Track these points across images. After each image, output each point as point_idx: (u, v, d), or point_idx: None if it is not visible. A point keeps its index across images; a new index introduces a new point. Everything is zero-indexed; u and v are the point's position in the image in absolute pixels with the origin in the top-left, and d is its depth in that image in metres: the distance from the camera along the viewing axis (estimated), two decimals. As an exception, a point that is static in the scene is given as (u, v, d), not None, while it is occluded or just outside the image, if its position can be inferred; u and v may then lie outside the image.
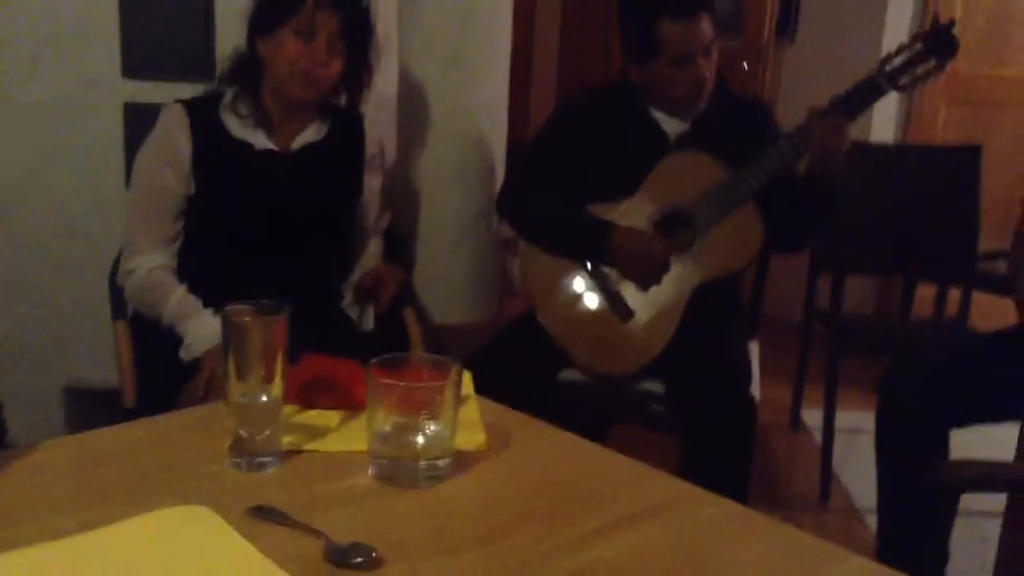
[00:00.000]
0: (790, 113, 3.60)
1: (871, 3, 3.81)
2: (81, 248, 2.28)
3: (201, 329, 1.77)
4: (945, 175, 3.05)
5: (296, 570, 0.81)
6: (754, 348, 2.35)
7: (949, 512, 1.92)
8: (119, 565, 0.81)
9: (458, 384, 1.00)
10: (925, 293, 3.44)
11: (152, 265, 1.84)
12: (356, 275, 2.05)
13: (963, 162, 3.02)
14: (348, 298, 2.03)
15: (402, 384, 0.98)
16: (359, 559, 0.82)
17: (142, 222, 1.87)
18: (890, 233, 3.00)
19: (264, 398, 1.01)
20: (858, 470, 2.81)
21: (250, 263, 1.89)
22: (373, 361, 1.00)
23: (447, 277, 2.50)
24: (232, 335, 0.99)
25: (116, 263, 1.95)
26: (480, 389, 2.13)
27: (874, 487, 2.03)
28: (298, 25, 1.80)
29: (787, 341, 3.22)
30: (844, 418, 2.83)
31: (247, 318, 1.01)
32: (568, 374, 2.15)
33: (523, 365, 2.11)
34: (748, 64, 3.76)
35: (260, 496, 0.94)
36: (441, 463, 1.00)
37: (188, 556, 0.83)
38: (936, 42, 1.99)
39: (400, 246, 2.34)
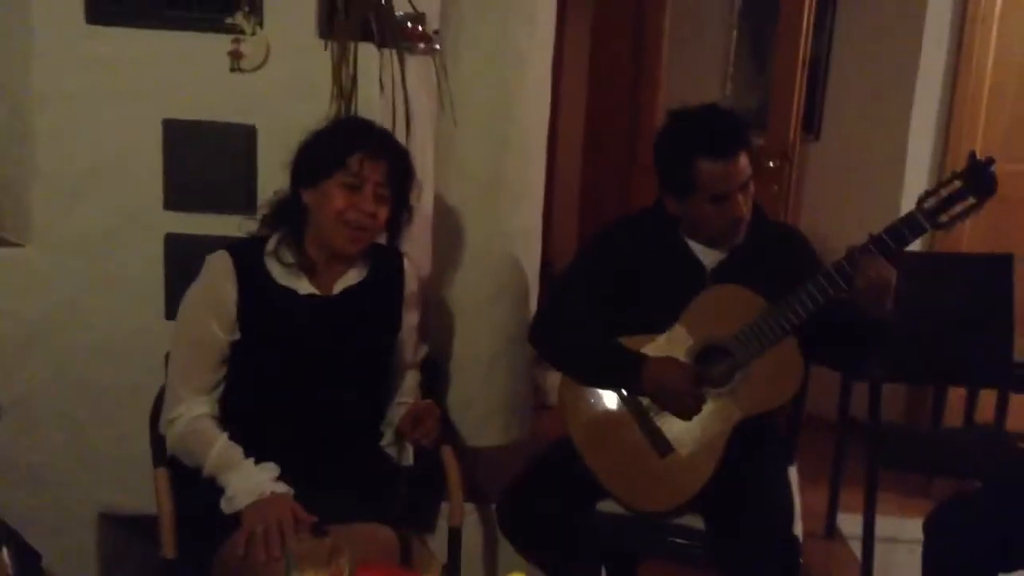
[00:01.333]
0: (817, 211, 3.62)
1: (895, 101, 3.83)
2: (117, 376, 2.30)
3: (243, 482, 1.77)
4: (978, 284, 3.04)
5: None
6: (793, 474, 2.32)
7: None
8: None
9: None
10: (955, 395, 3.41)
11: (194, 414, 1.85)
12: (394, 411, 2.05)
13: (996, 271, 3.02)
14: (387, 437, 2.02)
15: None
16: None
17: (185, 370, 1.88)
18: (925, 342, 2.98)
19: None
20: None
21: (291, 406, 1.90)
22: None
23: (481, 400, 2.50)
24: (290, 565, 0.99)
25: (156, 408, 1.96)
26: (517, 525, 2.12)
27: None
28: (345, 177, 1.82)
29: (820, 441, 3.18)
30: (882, 524, 2.78)
31: (302, 546, 1.00)
32: (606, 506, 2.13)
33: (560, 500, 2.10)
34: (774, 163, 3.77)
35: None
36: None
37: None
38: (975, 180, 1.97)
39: (437, 374, 2.34)
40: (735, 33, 4.41)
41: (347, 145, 1.84)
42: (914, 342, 2.97)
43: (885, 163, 3.85)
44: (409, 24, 2.54)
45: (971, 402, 3.21)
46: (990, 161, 2.01)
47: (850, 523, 3.13)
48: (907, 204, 3.88)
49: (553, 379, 2.56)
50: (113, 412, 2.31)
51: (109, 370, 2.31)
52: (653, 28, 4.50)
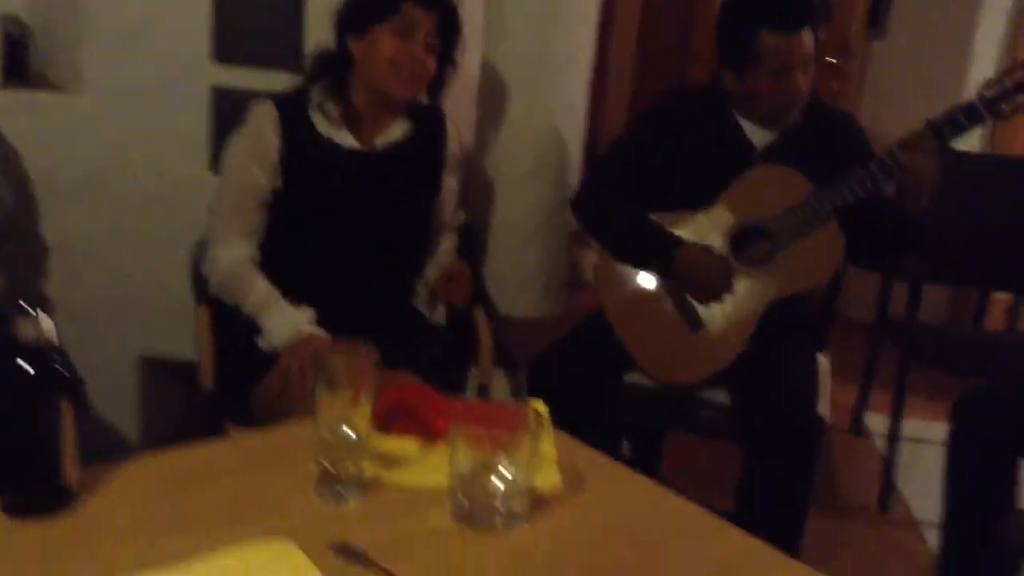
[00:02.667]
0: (878, 111, 3.52)
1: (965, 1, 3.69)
2: (161, 226, 2.33)
3: (280, 321, 1.81)
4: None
5: (378, 618, 0.84)
6: (824, 361, 2.32)
7: (1016, 563, 1.89)
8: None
9: (538, 428, 1.02)
10: (1001, 303, 3.37)
11: (236, 256, 1.89)
12: (430, 271, 2.07)
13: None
14: (422, 296, 2.05)
15: (483, 424, 1.00)
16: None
17: (228, 213, 1.91)
18: (968, 243, 2.93)
19: (351, 433, 1.03)
20: (921, 482, 2.78)
21: (329, 258, 1.93)
22: (458, 400, 1.02)
23: (518, 270, 2.52)
24: (322, 371, 1.02)
25: (198, 247, 2.00)
26: (546, 388, 2.16)
27: (936, 501, 2.02)
28: (397, 25, 1.81)
29: (854, 342, 3.18)
30: (908, 426, 2.79)
31: (338, 351, 1.03)
32: (634, 376, 2.16)
33: (589, 366, 2.13)
34: (835, 60, 3.66)
35: (342, 531, 0.97)
36: (518, 506, 1.02)
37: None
38: None
39: (474, 242, 2.35)
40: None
41: None
42: (959, 244, 2.94)
43: (950, 66, 3.72)
44: None
45: (1015, 308, 3.17)
46: (1056, 55, 1.93)
47: (878, 422, 3.14)
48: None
49: (590, 257, 2.57)
50: (156, 260, 2.35)
51: (154, 219, 2.35)
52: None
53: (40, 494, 0.98)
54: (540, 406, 1.26)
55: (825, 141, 2.11)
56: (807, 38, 2.01)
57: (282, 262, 1.92)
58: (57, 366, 0.98)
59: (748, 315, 2.06)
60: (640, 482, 1.13)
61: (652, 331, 2.12)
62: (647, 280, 2.13)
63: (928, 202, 1.95)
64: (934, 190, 1.93)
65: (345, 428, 1.04)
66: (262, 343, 1.84)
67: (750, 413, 2.04)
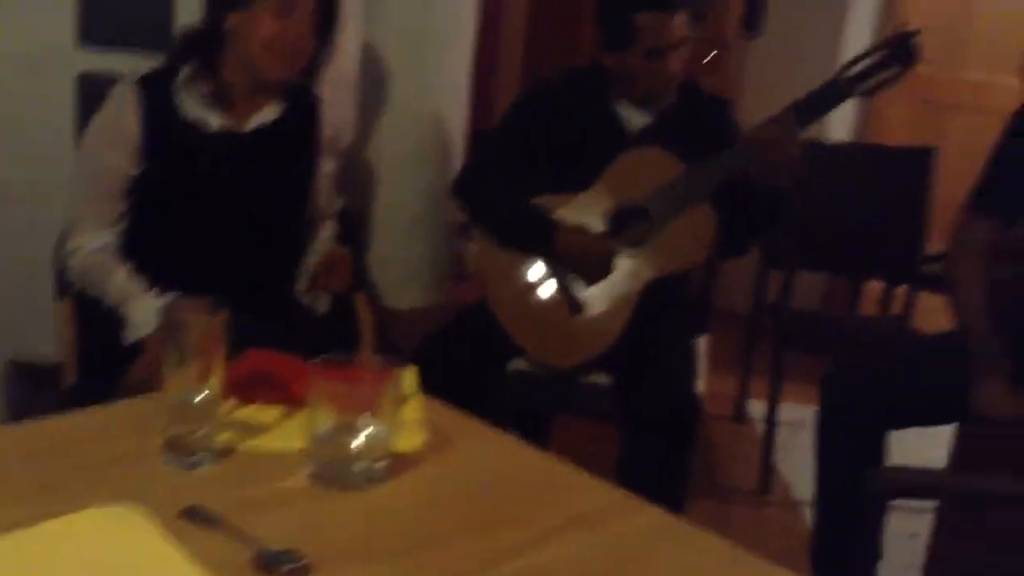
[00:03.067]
0: (757, 107, 3.62)
1: (834, 3, 3.84)
2: (22, 223, 2.24)
3: (144, 312, 1.74)
4: (898, 176, 3.09)
5: (222, 572, 0.81)
6: (702, 343, 2.37)
7: (880, 513, 1.97)
8: (48, 564, 0.81)
9: (399, 385, 1.00)
10: (874, 291, 3.51)
11: (96, 245, 1.81)
12: (309, 259, 2.03)
13: (916, 164, 3.06)
14: (302, 283, 2.01)
15: (344, 383, 0.98)
16: (288, 566, 0.83)
17: (86, 201, 1.83)
18: (841, 232, 3.05)
19: (201, 396, 1.00)
20: (799, 463, 2.86)
21: (199, 244, 1.86)
22: (316, 359, 1.00)
23: (401, 260, 2.50)
24: (171, 332, 0.99)
25: (60, 241, 1.92)
26: (429, 375, 2.15)
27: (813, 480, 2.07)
28: (277, 1, 1.77)
29: (735, 333, 3.27)
30: (787, 411, 2.87)
31: (187, 315, 1.00)
32: (517, 363, 2.16)
33: (473, 353, 2.13)
34: (712, 55, 3.77)
35: (194, 495, 0.94)
36: (378, 465, 1.01)
37: (116, 559, 0.83)
38: (898, 50, 2.00)
39: (354, 229, 2.32)
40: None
41: None
42: (830, 232, 3.05)
43: (821, 64, 3.85)
44: None
45: (886, 297, 3.30)
46: (915, 32, 2.03)
47: (759, 409, 3.22)
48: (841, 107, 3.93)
49: (473, 248, 2.57)
50: (21, 258, 2.26)
51: (21, 215, 2.25)
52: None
53: None
54: (410, 372, 1.25)
55: (699, 124, 2.17)
56: (682, 20, 2.07)
57: (149, 249, 1.85)
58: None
59: (627, 296, 2.09)
60: (504, 440, 1.13)
61: (534, 316, 2.13)
62: (527, 266, 2.14)
63: (791, 179, 2.02)
64: (795, 166, 2.00)
65: (196, 395, 1.00)
66: (126, 335, 1.77)
67: (629, 393, 2.07)
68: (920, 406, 1.97)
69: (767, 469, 2.82)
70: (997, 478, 1.48)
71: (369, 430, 1.00)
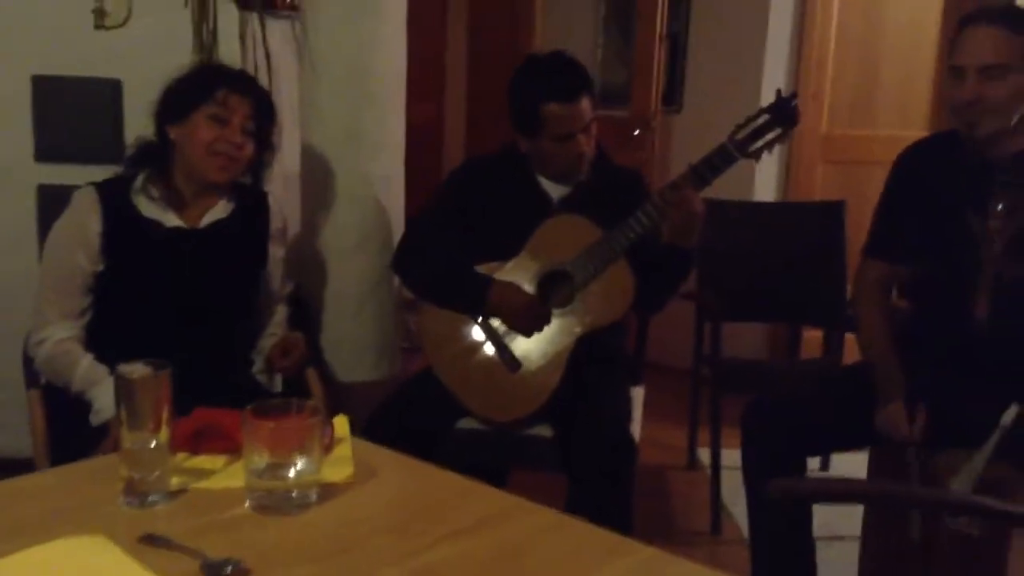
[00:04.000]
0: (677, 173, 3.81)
1: (748, 76, 4.12)
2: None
3: (109, 395, 1.85)
4: (815, 228, 3.33)
5: (176, 583, 0.96)
6: (638, 393, 2.54)
7: (803, 532, 2.11)
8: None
9: (320, 425, 1.17)
10: (813, 337, 3.70)
11: (61, 336, 1.96)
12: (264, 341, 2.19)
13: (830, 216, 3.31)
14: (258, 364, 2.17)
15: (271, 424, 1.14)
16: (228, 568, 0.98)
17: (51, 295, 1.99)
18: (766, 283, 3.26)
19: (153, 444, 1.16)
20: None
21: (161, 334, 1.99)
22: (248, 407, 1.16)
23: (351, 338, 2.66)
24: (122, 390, 1.15)
25: (28, 335, 2.07)
26: (382, 439, 2.29)
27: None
28: (212, 109, 1.95)
29: (683, 389, 3.44)
30: (733, 455, 3.01)
31: (136, 375, 1.16)
32: (466, 423, 2.31)
33: (421, 415, 2.27)
34: (638, 131, 4.04)
35: (150, 527, 1.09)
36: (310, 493, 1.16)
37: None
38: (779, 113, 2.21)
39: (304, 311, 2.49)
40: (603, 12, 4.67)
41: (214, 80, 1.98)
42: (756, 284, 3.26)
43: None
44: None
45: (828, 340, 3.47)
46: (793, 96, 2.25)
47: (708, 455, 3.37)
48: (760, 168, 4.19)
49: (417, 320, 2.74)
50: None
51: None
52: (525, 6, 4.72)
53: None
54: (342, 420, 1.41)
55: (612, 192, 2.36)
56: (585, 105, 2.26)
57: (113, 339, 1.98)
58: None
59: (559, 351, 2.26)
60: (423, 467, 1.29)
61: (475, 376, 2.28)
62: (466, 331, 2.30)
63: (691, 236, 2.21)
64: (695, 224, 2.19)
65: (148, 443, 1.16)
66: (92, 419, 1.90)
67: (568, 441, 2.22)
68: (832, 432, 2.15)
69: (716, 511, 2.96)
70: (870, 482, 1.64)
71: (299, 465, 1.16)
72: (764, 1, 4.09)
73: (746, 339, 4.13)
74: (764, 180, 4.16)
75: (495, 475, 2.65)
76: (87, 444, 1.86)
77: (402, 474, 1.29)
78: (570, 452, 2.21)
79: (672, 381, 3.91)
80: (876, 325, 2.17)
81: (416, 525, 1.09)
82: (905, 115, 4.23)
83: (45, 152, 2.37)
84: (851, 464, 2.32)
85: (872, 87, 4.21)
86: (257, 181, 2.17)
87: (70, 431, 1.95)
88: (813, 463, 3.16)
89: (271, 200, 2.20)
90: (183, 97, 2.00)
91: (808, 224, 3.38)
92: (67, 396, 1.96)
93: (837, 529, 2.70)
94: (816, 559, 2.18)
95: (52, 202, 2.34)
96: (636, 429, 2.34)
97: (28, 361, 2.04)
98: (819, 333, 3.52)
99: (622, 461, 2.18)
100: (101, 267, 1.99)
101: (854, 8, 4.14)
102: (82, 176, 2.29)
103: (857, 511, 2.43)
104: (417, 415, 2.27)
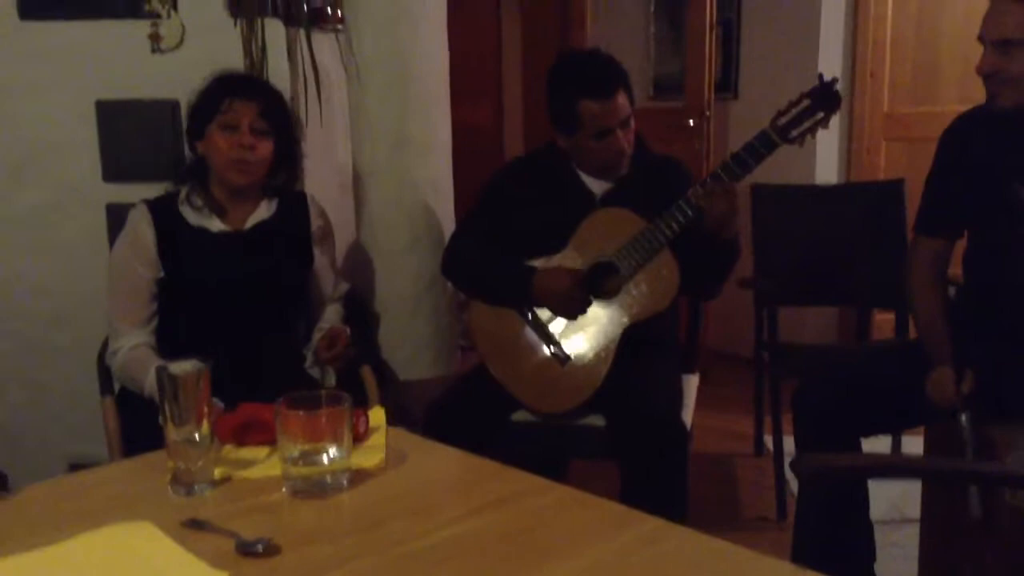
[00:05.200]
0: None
1: (803, 59, 4.08)
2: (69, 337, 2.54)
3: (175, 397, 2.01)
4: (875, 209, 3.28)
5: (212, 560, 1.04)
6: (692, 380, 2.56)
7: (858, 513, 2.10)
8: (80, 567, 1.04)
9: (349, 415, 1.23)
10: (886, 320, 3.64)
11: (132, 344, 2.10)
12: (315, 337, 2.29)
13: (890, 195, 3.26)
14: (309, 360, 2.27)
15: (303, 414, 1.21)
16: (260, 547, 1.05)
17: (121, 308, 2.13)
18: (826, 266, 3.23)
19: (196, 436, 1.24)
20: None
21: (220, 333, 2.13)
22: (281, 398, 1.23)
23: (408, 337, 2.74)
24: (166, 387, 1.23)
25: (104, 346, 2.20)
26: (439, 434, 2.36)
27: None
28: (222, 120, 2.08)
29: (751, 376, 3.44)
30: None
31: (177, 372, 1.25)
32: (520, 415, 2.36)
33: (476, 410, 2.33)
34: (693, 121, 4.03)
35: (193, 513, 1.17)
36: (342, 478, 1.23)
37: (132, 559, 1.06)
38: (821, 98, 2.20)
39: (360, 311, 2.58)
40: (653, 4, 4.68)
41: (219, 92, 2.10)
42: (817, 266, 3.24)
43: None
44: (329, 10, 2.81)
45: (899, 321, 3.41)
46: (834, 80, 2.23)
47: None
48: (821, 151, 4.14)
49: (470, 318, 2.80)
50: (69, 371, 2.55)
51: (65, 332, 2.55)
52: (578, 5, 4.76)
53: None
54: (378, 411, 1.48)
55: (655, 183, 2.38)
56: (622, 100, 2.28)
57: (177, 342, 2.12)
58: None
59: (607, 342, 2.29)
60: (453, 453, 1.35)
61: (526, 370, 2.33)
62: (515, 326, 2.35)
63: (733, 227, 2.22)
64: (733, 215, 2.19)
65: (192, 435, 1.24)
66: (162, 421, 2.02)
67: (619, 430, 2.25)
68: (884, 410, 2.13)
69: (782, 496, 2.95)
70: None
71: (331, 452, 1.23)
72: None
73: (816, 324, 4.09)
74: (825, 161, 4.12)
75: (553, 467, 2.70)
76: (158, 445, 1.98)
77: (431, 460, 1.35)
78: (621, 440, 2.24)
79: (739, 369, 3.91)
80: (927, 300, 2.15)
81: (438, 505, 1.15)
82: (967, 90, 4.10)
83: (111, 172, 2.51)
84: (919, 446, 2.29)
85: (933, 63, 4.13)
86: (291, 179, 2.25)
87: (142, 433, 2.06)
88: (882, 445, 3.12)
89: (310, 201, 2.29)
90: (198, 114, 2.13)
91: (868, 204, 3.33)
92: (140, 401, 2.07)
93: (906, 511, 2.68)
94: (875, 541, 2.17)
95: (119, 220, 2.47)
96: (688, 416, 2.36)
97: (102, 370, 2.17)
98: (891, 315, 3.46)
99: (673, 447, 2.20)
100: (161, 274, 2.12)
101: (909, -16, 4.06)
102: (146, 193, 2.42)
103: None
104: (472, 410, 2.33)
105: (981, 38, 1.92)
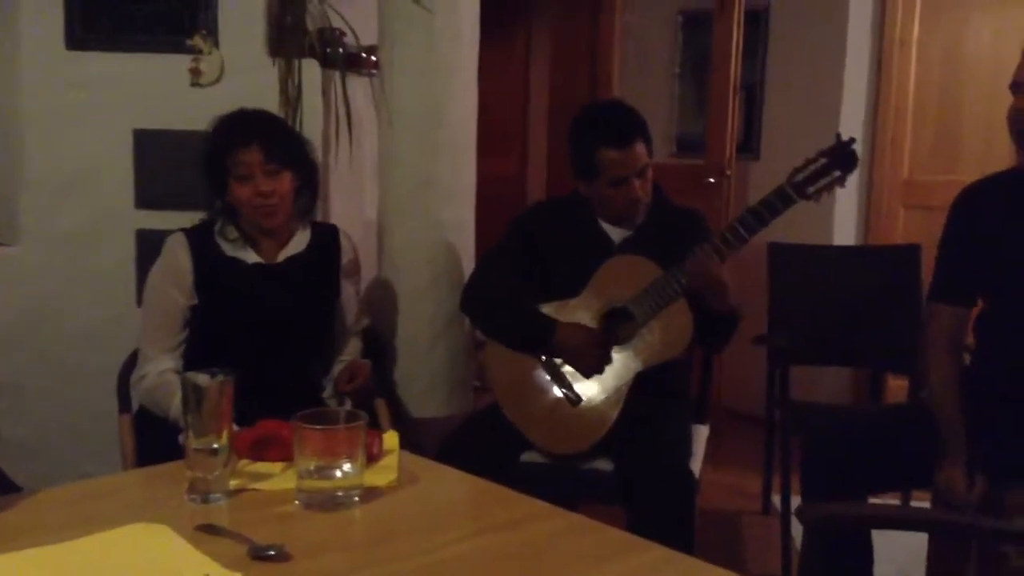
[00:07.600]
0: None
1: (825, 124, 4.13)
2: (97, 358, 2.59)
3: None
4: (891, 273, 3.31)
5: (225, 563, 1.07)
6: (701, 431, 2.57)
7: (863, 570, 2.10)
8: (96, 564, 1.08)
9: (363, 434, 1.27)
10: (901, 384, 3.65)
11: (160, 369, 2.15)
12: (335, 368, 2.33)
13: (906, 260, 3.29)
14: (328, 390, 2.31)
15: (319, 431, 1.25)
16: (272, 553, 1.08)
17: (152, 334, 2.18)
18: (840, 327, 3.25)
19: (215, 446, 1.28)
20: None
21: (246, 361, 2.13)
22: (298, 415, 1.27)
23: (424, 374, 2.78)
24: (189, 397, 1.27)
25: (125, 366, 2.25)
26: (453, 464, 2.38)
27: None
28: (235, 174, 2.12)
29: (761, 434, 3.44)
30: (802, 498, 3.00)
31: (201, 383, 1.29)
32: (529, 456, 2.38)
33: (487, 448, 2.35)
34: (713, 179, 4.10)
35: (207, 519, 1.21)
36: (353, 493, 1.26)
37: (146, 556, 1.09)
38: (839, 157, 2.24)
39: (378, 346, 2.62)
40: (678, 66, 4.77)
41: (220, 149, 2.14)
42: (829, 327, 3.26)
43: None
44: (363, 54, 2.91)
45: (913, 384, 3.42)
46: (852, 140, 2.28)
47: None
48: (839, 213, 4.18)
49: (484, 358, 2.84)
50: (94, 391, 2.59)
51: (90, 354, 2.61)
52: (604, 62, 4.86)
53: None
54: (391, 435, 1.52)
55: (673, 234, 2.42)
56: (640, 150, 2.34)
57: (205, 368, 2.16)
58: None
59: (618, 386, 2.32)
60: (462, 477, 1.38)
61: (537, 410, 2.36)
62: (528, 366, 2.39)
63: (721, 301, 2.26)
64: (719, 287, 2.24)
65: (211, 445, 1.28)
66: (182, 438, 2.05)
67: (626, 474, 2.27)
68: (894, 469, 2.13)
69: (787, 553, 2.94)
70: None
71: (345, 468, 1.26)
72: (840, 50, 4.12)
73: (829, 385, 4.09)
74: (843, 222, 4.16)
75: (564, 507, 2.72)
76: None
77: (442, 482, 1.38)
78: (628, 485, 2.26)
79: (749, 427, 3.91)
80: (943, 377, 2.11)
81: (447, 524, 1.18)
82: (988, 161, 4.16)
83: (144, 199, 2.58)
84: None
85: (954, 133, 4.18)
86: (314, 196, 2.28)
87: (157, 455, 2.09)
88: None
89: (342, 235, 2.35)
90: (210, 176, 2.17)
91: (884, 268, 3.36)
92: (157, 422, 2.11)
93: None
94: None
95: (149, 245, 2.56)
96: (697, 465, 2.37)
97: (122, 388, 2.21)
98: (905, 381, 3.47)
99: (680, 494, 2.21)
100: (195, 302, 2.17)
101: (933, 55, 4.13)
102: (176, 221, 2.50)
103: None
104: (483, 448, 2.35)
105: (1014, 84, 1.95)
